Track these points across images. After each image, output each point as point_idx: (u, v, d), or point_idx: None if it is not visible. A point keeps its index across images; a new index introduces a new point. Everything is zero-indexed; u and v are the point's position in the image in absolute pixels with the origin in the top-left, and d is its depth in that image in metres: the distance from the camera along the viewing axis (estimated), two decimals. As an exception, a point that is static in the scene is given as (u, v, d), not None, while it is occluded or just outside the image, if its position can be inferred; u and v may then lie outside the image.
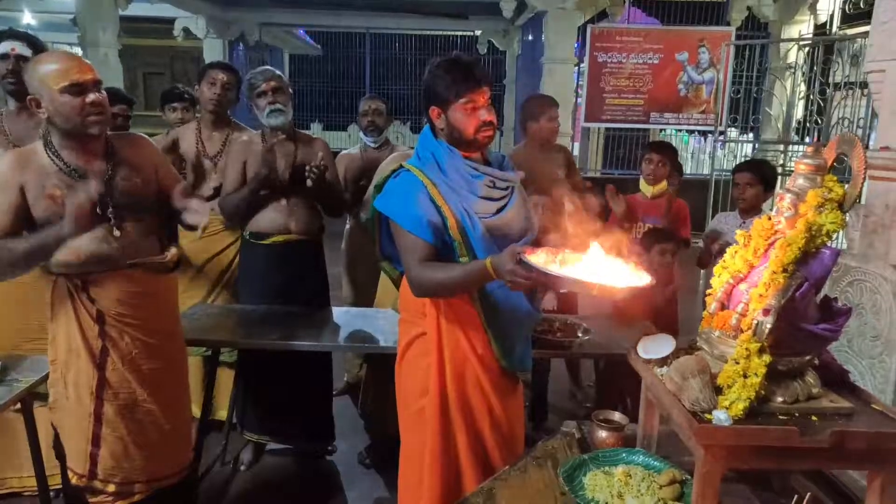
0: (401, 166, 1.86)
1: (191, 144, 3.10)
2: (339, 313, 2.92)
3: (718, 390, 1.45)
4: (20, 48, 2.50)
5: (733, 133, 8.37)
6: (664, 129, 9.45)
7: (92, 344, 2.00)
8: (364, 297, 3.44)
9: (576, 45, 7.86)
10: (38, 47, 2.56)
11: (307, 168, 2.69)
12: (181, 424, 2.22)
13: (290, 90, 2.88)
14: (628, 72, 8.18)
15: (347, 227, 3.63)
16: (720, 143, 7.70)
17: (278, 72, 2.89)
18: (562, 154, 3.59)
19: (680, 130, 10.40)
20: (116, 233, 1.98)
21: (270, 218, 2.84)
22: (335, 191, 2.94)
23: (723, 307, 1.60)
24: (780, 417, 1.42)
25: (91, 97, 1.88)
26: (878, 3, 2.48)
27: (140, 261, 2.04)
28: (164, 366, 2.12)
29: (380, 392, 2.95)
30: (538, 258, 1.57)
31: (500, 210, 1.86)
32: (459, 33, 13.23)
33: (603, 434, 1.88)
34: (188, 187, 2.28)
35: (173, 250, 2.16)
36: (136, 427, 2.06)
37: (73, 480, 2.05)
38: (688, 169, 9.71)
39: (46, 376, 2.12)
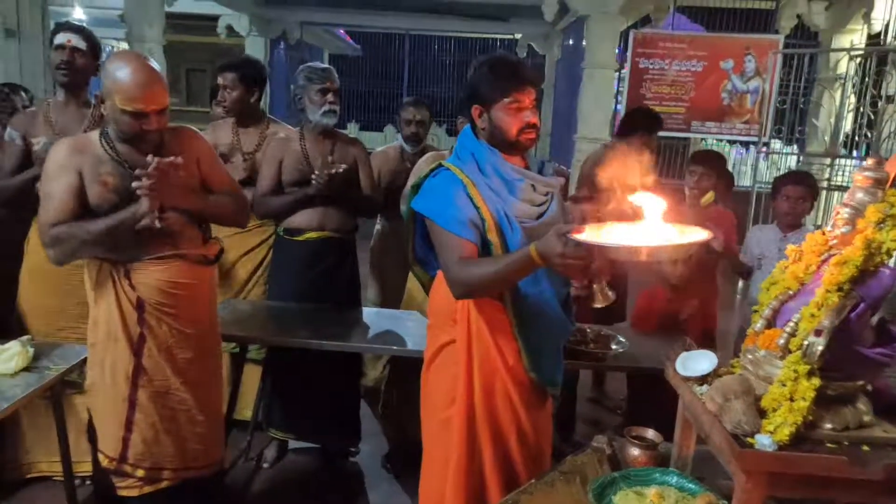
0: (440, 165, 1.82)
1: (227, 139, 3.11)
2: (368, 314, 2.89)
3: (762, 413, 1.37)
4: (76, 41, 2.55)
5: (777, 145, 8.15)
6: (705, 139, 9.24)
7: (131, 330, 2.03)
8: (390, 298, 3.40)
9: (618, 50, 7.73)
10: (93, 41, 2.62)
11: (314, 174, 2.70)
12: (214, 418, 2.23)
13: None
14: (670, 79, 8.01)
15: (378, 227, 3.60)
16: (763, 154, 7.50)
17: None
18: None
19: (721, 140, 10.16)
20: (158, 224, 1.98)
21: (305, 215, 2.84)
22: (363, 194, 2.92)
23: (769, 325, 1.52)
24: (829, 445, 1.33)
25: (149, 122, 1.90)
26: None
27: (181, 251, 2.05)
28: (198, 356, 2.14)
29: (402, 395, 2.92)
30: (584, 235, 1.47)
31: (540, 216, 1.80)
32: (499, 36, 13.15)
33: (635, 452, 1.81)
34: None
35: (214, 243, 2.19)
36: (168, 414, 2.08)
37: (105, 463, 2.08)
38: (729, 180, 9.45)
39: (76, 365, 2.14)
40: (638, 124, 3.40)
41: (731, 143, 10.67)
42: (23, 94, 3.29)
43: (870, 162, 1.39)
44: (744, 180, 9.92)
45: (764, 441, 1.31)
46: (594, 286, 1.73)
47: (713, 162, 3.17)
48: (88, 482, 2.60)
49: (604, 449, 1.88)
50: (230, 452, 2.94)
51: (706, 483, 1.60)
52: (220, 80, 3.09)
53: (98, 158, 1.96)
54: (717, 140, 10.01)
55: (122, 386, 2.03)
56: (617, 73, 8.22)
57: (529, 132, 1.74)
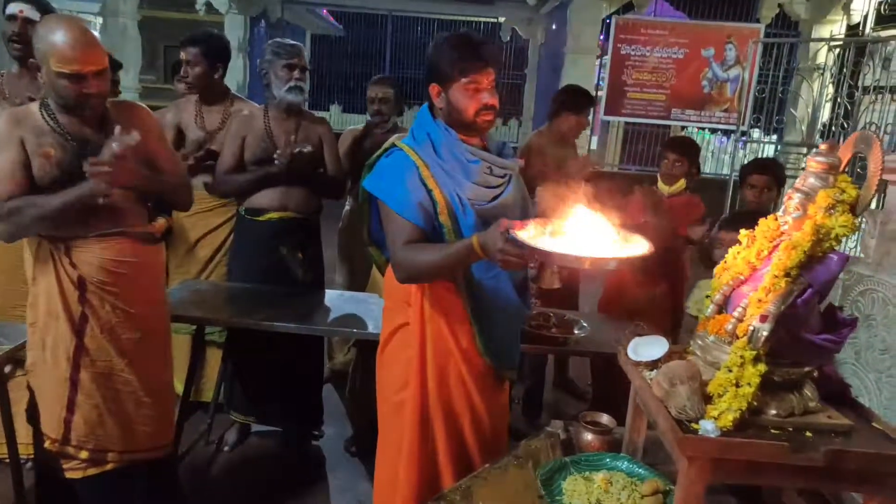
0: (393, 145, 1.78)
1: (190, 117, 3.03)
2: (331, 296, 2.85)
3: (708, 399, 1.36)
4: (28, 11, 2.47)
5: (756, 133, 8.18)
6: (686, 127, 9.25)
7: (72, 309, 1.96)
8: (358, 281, 3.37)
9: (601, 36, 7.68)
10: (47, 11, 2.52)
11: (276, 153, 2.64)
12: (161, 399, 2.17)
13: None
14: (652, 66, 7.99)
15: (347, 208, 3.55)
16: (742, 142, 7.52)
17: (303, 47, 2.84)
18: (572, 148, 3.52)
19: (702, 128, 10.18)
20: (102, 200, 1.90)
21: (267, 195, 2.77)
22: (327, 175, 2.87)
23: (721, 310, 1.50)
24: (773, 431, 1.33)
25: (88, 86, 1.83)
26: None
27: (125, 229, 1.99)
28: (144, 337, 2.07)
29: (367, 378, 2.88)
30: (527, 232, 1.47)
31: (495, 198, 1.76)
32: (483, 19, 13.06)
33: (589, 437, 1.80)
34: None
35: (160, 220, 2.12)
36: (112, 395, 2.02)
37: (47, 445, 2.02)
38: (708, 168, 9.52)
39: (23, 344, 2.08)
40: (565, 104, 3.35)
41: (713, 131, 10.70)
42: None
43: (822, 147, 1.37)
44: (723, 168, 9.97)
45: (707, 427, 1.29)
46: (546, 269, 1.71)
47: (687, 149, 3.16)
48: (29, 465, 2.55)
49: (558, 434, 1.86)
50: (190, 435, 2.91)
51: (657, 469, 1.59)
52: (182, 55, 3.00)
53: (38, 130, 1.88)
54: (698, 128, 10.04)
55: (64, 366, 1.96)
56: (599, 59, 8.18)
57: (486, 114, 1.70)
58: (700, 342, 1.50)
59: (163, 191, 2.09)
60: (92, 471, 2.03)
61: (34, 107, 1.93)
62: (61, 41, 1.79)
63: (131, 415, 2.06)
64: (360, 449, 2.98)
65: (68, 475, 2.02)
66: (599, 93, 8.51)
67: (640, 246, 1.46)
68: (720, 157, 10.70)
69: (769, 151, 7.74)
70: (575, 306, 3.29)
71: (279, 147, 2.72)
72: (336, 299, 2.81)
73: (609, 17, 8.39)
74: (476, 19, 13.18)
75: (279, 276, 2.80)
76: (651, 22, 8.18)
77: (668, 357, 1.55)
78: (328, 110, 13.28)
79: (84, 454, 2.01)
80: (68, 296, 1.95)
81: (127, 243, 2.01)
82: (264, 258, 2.79)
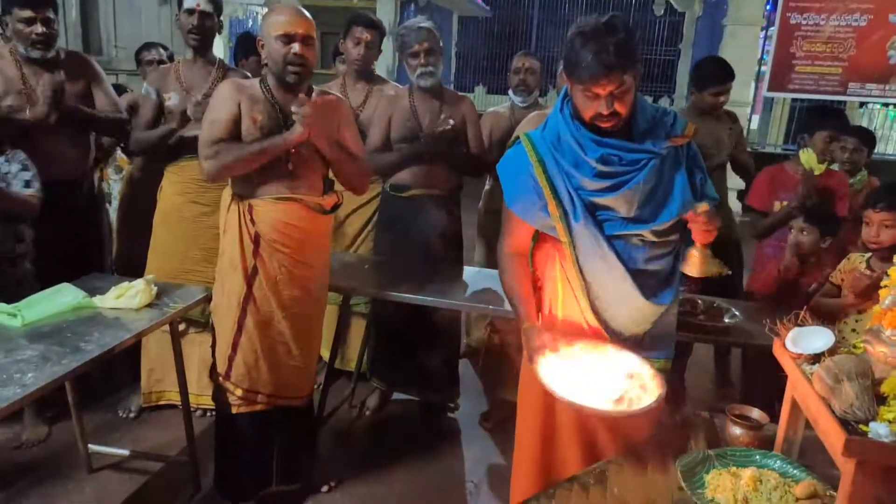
0: (518, 137, 1.76)
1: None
2: (469, 272, 2.88)
3: (881, 400, 1.22)
4: (204, 4, 2.70)
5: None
6: (866, 103, 8.27)
7: (247, 260, 2.20)
8: (496, 259, 3.37)
9: (767, 6, 7.04)
10: (218, 5, 2.77)
11: (421, 132, 2.72)
12: (307, 354, 2.35)
13: (441, 45, 2.84)
14: (826, 35, 7.20)
15: (487, 187, 3.55)
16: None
17: (431, 28, 2.83)
18: (728, 122, 3.25)
19: (888, 105, 9.05)
20: (290, 165, 2.17)
21: (411, 172, 2.85)
22: (470, 153, 2.89)
23: (901, 302, 1.33)
24: (963, 442, 1.16)
25: (296, 47, 2.09)
26: None
27: (300, 196, 2.21)
28: (301, 296, 2.27)
29: (501, 354, 2.90)
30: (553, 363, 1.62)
31: (616, 187, 1.63)
32: (635, -7, 12.46)
33: (737, 431, 1.68)
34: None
35: (332, 196, 2.29)
36: (268, 343, 2.24)
37: (216, 378, 2.29)
38: (891, 149, 8.50)
39: (195, 304, 2.33)
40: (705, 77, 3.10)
41: (900, 107, 9.49)
42: (161, 49, 3.53)
43: None
44: (910, 150, 8.82)
45: (880, 430, 1.16)
46: (690, 249, 1.59)
47: (868, 136, 2.82)
48: (209, 414, 2.83)
49: (702, 425, 1.77)
50: (335, 399, 3.09)
51: (814, 471, 1.46)
52: (361, 35, 3.02)
53: (254, 98, 2.17)
54: (882, 104, 8.94)
55: (235, 309, 2.20)
56: (763, 31, 7.51)
57: (604, 121, 1.59)
58: (875, 335, 1.34)
59: (342, 166, 2.30)
60: (244, 408, 2.27)
61: (255, 81, 2.24)
62: (277, 13, 2.13)
63: (281, 363, 2.27)
64: (495, 424, 3.01)
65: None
66: (763, 67, 7.82)
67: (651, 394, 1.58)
68: (907, 137, 9.47)
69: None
70: (737, 295, 3.04)
71: (423, 125, 2.78)
72: (474, 276, 2.83)
73: (777, -17, 7.67)
74: (627, -7, 12.61)
75: (420, 250, 2.88)
76: (828, -14, 7.38)
77: (832, 351, 1.41)
78: (473, 91, 13.35)
79: (239, 392, 2.24)
80: (245, 248, 2.20)
81: (300, 209, 2.22)
82: (407, 233, 2.88)
